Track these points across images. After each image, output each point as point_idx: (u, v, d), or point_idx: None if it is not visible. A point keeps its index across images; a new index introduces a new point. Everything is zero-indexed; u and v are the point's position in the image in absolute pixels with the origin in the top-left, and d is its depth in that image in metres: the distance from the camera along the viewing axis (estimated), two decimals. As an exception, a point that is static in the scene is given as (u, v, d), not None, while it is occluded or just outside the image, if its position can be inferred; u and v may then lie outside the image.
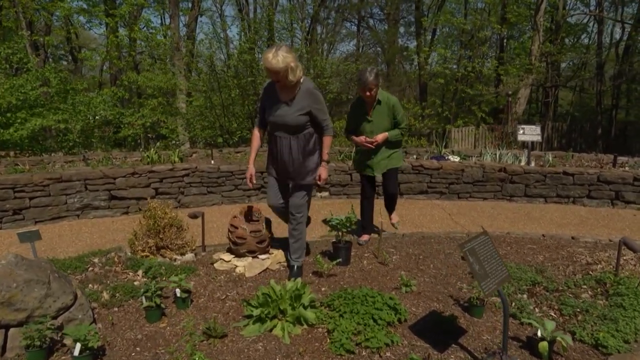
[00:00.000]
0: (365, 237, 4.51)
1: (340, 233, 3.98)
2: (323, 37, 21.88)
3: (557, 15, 16.97)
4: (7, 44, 10.46)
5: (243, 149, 8.56)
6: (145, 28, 15.73)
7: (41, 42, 14.49)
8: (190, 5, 18.28)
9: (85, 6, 16.32)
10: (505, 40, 18.33)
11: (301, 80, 3.34)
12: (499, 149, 7.98)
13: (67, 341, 2.61)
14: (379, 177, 4.53)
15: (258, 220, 3.89)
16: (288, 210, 3.66)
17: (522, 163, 7.31)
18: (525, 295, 3.32)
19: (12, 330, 2.59)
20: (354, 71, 14.31)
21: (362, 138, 4.26)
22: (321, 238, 4.71)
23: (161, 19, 22.27)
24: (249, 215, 3.87)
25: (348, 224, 3.89)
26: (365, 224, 4.58)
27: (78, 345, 2.44)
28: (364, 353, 2.60)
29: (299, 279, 3.14)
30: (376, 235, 4.54)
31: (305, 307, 2.95)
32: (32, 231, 3.47)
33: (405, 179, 6.95)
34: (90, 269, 3.67)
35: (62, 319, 2.72)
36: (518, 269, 3.75)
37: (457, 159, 7.39)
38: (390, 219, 4.83)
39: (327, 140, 3.54)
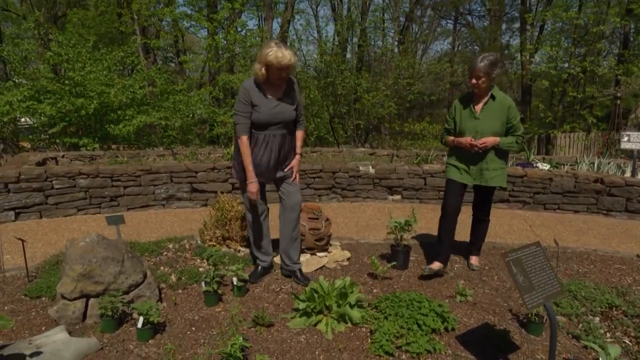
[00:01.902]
0: (435, 266, 3.75)
1: (399, 236, 3.98)
2: (417, 36, 21.53)
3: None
4: (122, 48, 11.80)
5: (319, 149, 8.80)
6: (241, 31, 16.77)
7: (151, 45, 16.10)
8: (283, 7, 19.09)
9: (189, 11, 17.83)
10: (632, 36, 16.37)
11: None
12: (599, 158, 7.31)
13: (135, 314, 2.96)
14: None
15: (318, 218, 4.03)
16: (266, 215, 3.63)
17: (627, 174, 6.64)
18: (597, 318, 3.09)
19: (91, 300, 3.00)
20: (447, 72, 13.94)
21: (467, 139, 3.58)
22: (384, 241, 4.73)
23: (258, 21, 23.51)
24: (309, 212, 4.02)
25: (406, 227, 3.88)
26: (442, 249, 3.83)
27: (141, 319, 2.78)
28: (403, 357, 2.63)
29: (348, 278, 3.23)
30: (450, 271, 3.92)
31: (351, 306, 3.03)
32: (117, 215, 3.96)
33: (485, 186, 6.66)
34: (165, 253, 4.06)
35: (133, 295, 3.09)
36: (596, 289, 3.49)
37: (546, 166, 6.92)
38: (470, 259, 4.03)
39: (302, 134, 3.55)
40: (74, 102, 9.12)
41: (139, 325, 2.77)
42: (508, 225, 5.77)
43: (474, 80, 3.50)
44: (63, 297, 2.96)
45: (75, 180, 5.90)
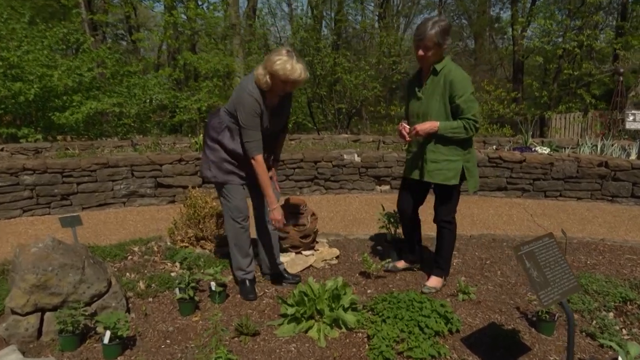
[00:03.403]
0: (400, 264, 3.85)
1: (392, 230, 3.98)
2: (399, 9, 21.60)
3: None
4: (64, 24, 11.36)
5: (298, 136, 8.75)
6: (202, 5, 16.46)
7: (98, 21, 15.61)
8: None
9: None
10: (630, 6, 16.66)
11: None
12: (603, 140, 7.50)
13: (100, 328, 2.87)
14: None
15: (303, 214, 3.98)
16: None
17: (632, 157, 6.82)
18: (611, 314, 3.17)
19: (47, 314, 2.90)
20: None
21: (400, 125, 3.41)
22: (374, 236, 4.75)
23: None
24: (293, 207, 3.98)
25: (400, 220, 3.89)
26: (407, 249, 3.89)
27: (108, 333, 2.70)
28: (405, 363, 2.62)
29: (340, 278, 3.22)
30: (418, 269, 3.89)
31: (344, 309, 3.02)
32: (73, 216, 3.84)
33: (480, 173, 6.74)
34: (130, 257, 3.99)
35: (96, 306, 3.00)
36: (607, 282, 3.57)
37: (546, 150, 7.05)
38: (426, 281, 3.61)
39: (284, 137, 3.64)
40: (10, 86, 8.77)
41: (106, 340, 2.69)
42: (507, 216, 5.87)
43: (421, 52, 3.18)
44: (13, 312, 2.85)
45: (19, 177, 5.72)
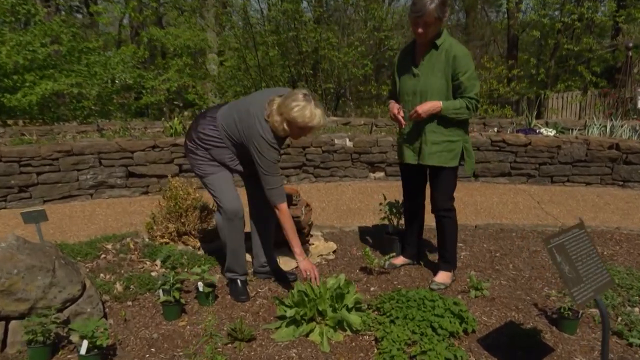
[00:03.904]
0: (398, 261, 3.83)
1: (394, 222, 3.94)
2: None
3: None
4: (9, -8, 10.98)
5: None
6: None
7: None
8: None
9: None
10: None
11: None
12: (611, 120, 7.58)
13: (74, 337, 2.76)
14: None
15: (297, 205, 3.94)
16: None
17: (643, 138, 6.92)
18: (636, 309, 3.17)
19: (13, 322, 2.77)
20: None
21: (394, 106, 3.37)
22: (372, 227, 4.75)
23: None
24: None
25: (402, 211, 3.89)
26: (407, 241, 3.85)
27: (85, 343, 2.59)
28: (419, 368, 2.59)
29: (343, 275, 3.17)
30: (419, 264, 3.88)
31: (349, 309, 2.97)
32: (37, 211, 3.69)
33: (482, 157, 6.79)
34: (103, 256, 3.88)
35: (69, 312, 2.88)
36: (629, 274, 3.59)
37: (551, 132, 7.10)
38: (434, 277, 3.60)
39: None
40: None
41: (82, 351, 2.58)
42: (513, 203, 5.90)
43: (420, 30, 3.14)
44: (-27, 322, 2.72)
45: (-31, 167, 5.53)
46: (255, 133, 3.06)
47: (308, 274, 3.18)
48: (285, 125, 3.05)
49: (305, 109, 2.98)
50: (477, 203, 5.90)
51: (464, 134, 3.37)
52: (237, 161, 3.33)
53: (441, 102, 3.20)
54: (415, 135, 3.36)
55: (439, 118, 3.25)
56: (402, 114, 3.31)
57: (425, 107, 3.19)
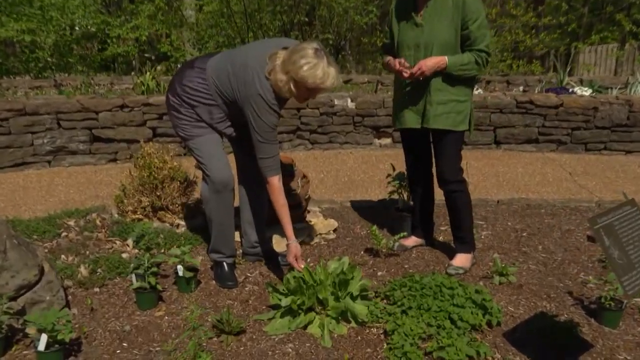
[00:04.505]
0: (409, 242, 3.86)
1: (405, 196, 3.97)
2: None
3: None
4: None
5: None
6: None
7: None
8: None
9: None
10: None
11: None
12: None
13: (31, 331, 2.73)
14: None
15: (292, 176, 3.91)
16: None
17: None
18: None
19: (-43, 313, 2.74)
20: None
21: (395, 61, 3.30)
22: (378, 202, 4.77)
23: None
24: None
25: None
26: (417, 219, 3.87)
27: (44, 338, 2.55)
28: (436, 367, 2.58)
29: (346, 258, 3.15)
30: (432, 246, 3.92)
31: (353, 298, 2.97)
32: (-14, 181, 3.64)
33: (506, 121, 6.79)
34: (64, 234, 3.87)
35: (24, 301, 2.85)
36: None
37: (587, 91, 7.05)
38: (451, 260, 3.60)
39: None
40: None
41: (41, 347, 2.55)
42: (540, 174, 5.91)
43: None
44: None
45: None
46: (253, 91, 2.98)
47: (294, 258, 3.16)
48: (291, 86, 2.98)
49: (317, 67, 2.89)
50: (499, 174, 5.89)
51: (471, 93, 3.40)
52: (228, 123, 3.26)
53: (446, 58, 3.17)
54: (418, 95, 3.33)
55: (444, 75, 3.23)
56: (406, 63, 3.23)
57: (430, 63, 3.15)
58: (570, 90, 7.16)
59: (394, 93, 3.59)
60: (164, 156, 4.04)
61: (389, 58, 3.43)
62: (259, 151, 3.09)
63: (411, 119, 3.38)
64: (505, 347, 2.73)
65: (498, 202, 4.80)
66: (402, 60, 3.24)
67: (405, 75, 3.22)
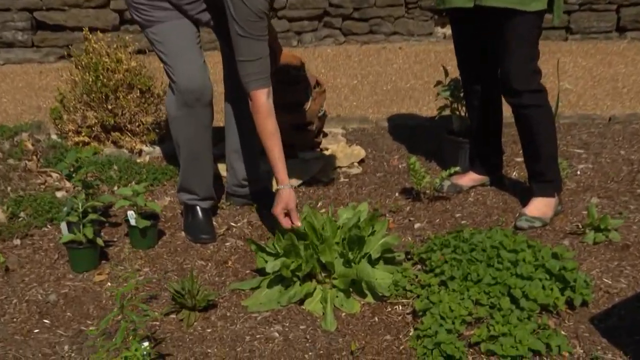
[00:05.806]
0: (464, 180, 3.94)
1: (460, 111, 3.97)
2: None
3: None
4: None
5: None
6: None
7: None
8: None
9: None
10: None
11: None
12: None
13: None
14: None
15: (298, 83, 3.91)
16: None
17: None
18: None
19: None
20: None
21: None
22: (428, 121, 4.81)
23: None
24: (281, 74, 3.83)
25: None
26: (478, 147, 3.94)
27: None
28: (483, 367, 2.57)
29: (365, 204, 3.19)
30: (499, 186, 3.98)
31: (372, 262, 2.99)
32: None
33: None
34: (-18, 160, 3.99)
35: None
36: None
37: None
38: (524, 207, 3.64)
39: None
40: None
41: None
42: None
43: None
44: None
45: None
46: None
47: (284, 210, 3.16)
48: None
49: None
50: (617, 76, 5.85)
51: None
52: (202, 6, 3.25)
53: None
54: None
55: None
56: None
57: None
58: None
59: None
60: (118, 53, 4.04)
61: None
62: (239, 51, 3.06)
63: None
64: (592, 337, 2.65)
65: (610, 119, 4.78)
66: None
67: None
